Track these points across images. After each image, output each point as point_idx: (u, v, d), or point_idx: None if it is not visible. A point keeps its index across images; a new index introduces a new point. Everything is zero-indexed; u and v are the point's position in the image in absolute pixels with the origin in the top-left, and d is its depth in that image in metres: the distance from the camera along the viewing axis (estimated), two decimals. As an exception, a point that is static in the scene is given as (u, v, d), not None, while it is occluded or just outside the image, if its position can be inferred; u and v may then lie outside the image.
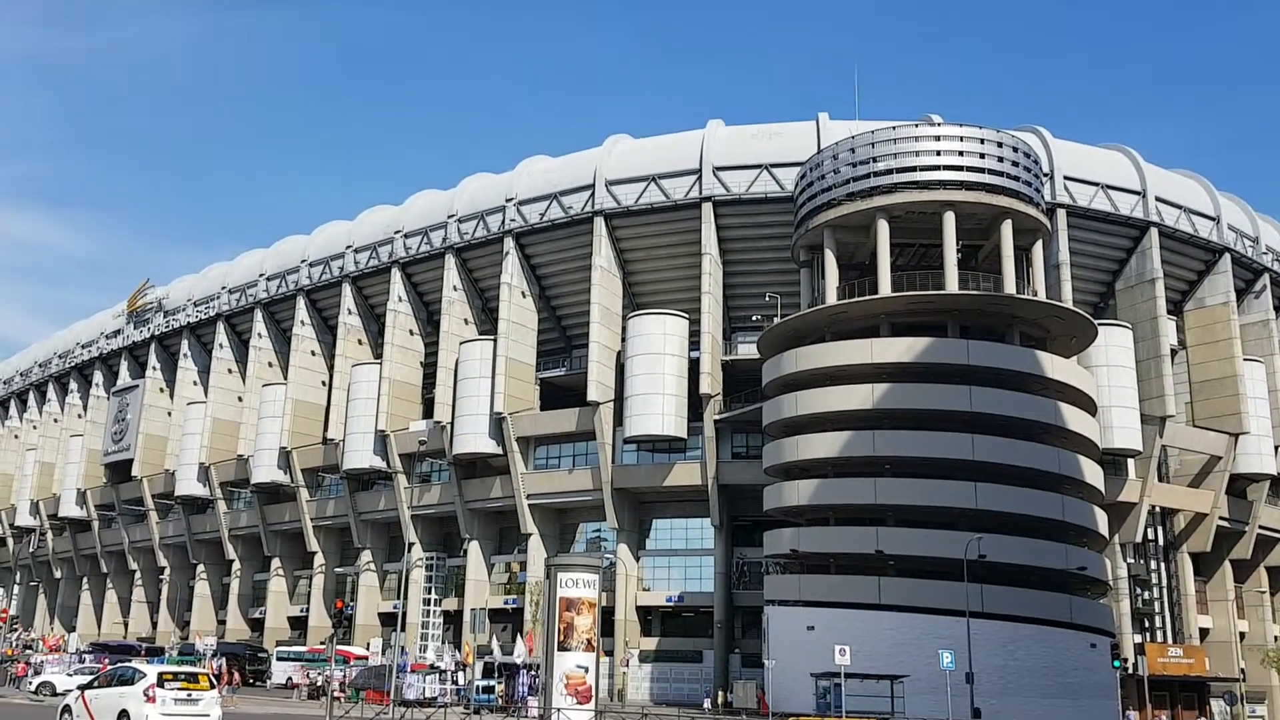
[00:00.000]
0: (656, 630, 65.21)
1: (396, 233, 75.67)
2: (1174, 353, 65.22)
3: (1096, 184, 63.35)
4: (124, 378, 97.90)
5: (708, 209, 62.74)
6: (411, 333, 75.33)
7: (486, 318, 72.42)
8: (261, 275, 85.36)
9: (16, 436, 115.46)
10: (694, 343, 62.49)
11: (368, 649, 67.66)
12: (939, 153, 53.06)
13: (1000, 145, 53.54)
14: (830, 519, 54.10)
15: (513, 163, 74.42)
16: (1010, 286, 52.43)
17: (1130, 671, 55.69)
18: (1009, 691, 47.68)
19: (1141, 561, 64.58)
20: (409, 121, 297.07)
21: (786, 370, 54.37)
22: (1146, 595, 64.88)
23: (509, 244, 68.69)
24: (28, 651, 74.64)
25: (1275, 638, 68.29)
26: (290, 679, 63.46)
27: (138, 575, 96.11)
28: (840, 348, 53.08)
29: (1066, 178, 62.57)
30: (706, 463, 61.46)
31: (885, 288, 52.28)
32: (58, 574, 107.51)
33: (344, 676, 53.21)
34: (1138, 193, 64.10)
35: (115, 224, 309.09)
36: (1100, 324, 57.77)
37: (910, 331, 52.35)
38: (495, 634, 63.73)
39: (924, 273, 54.10)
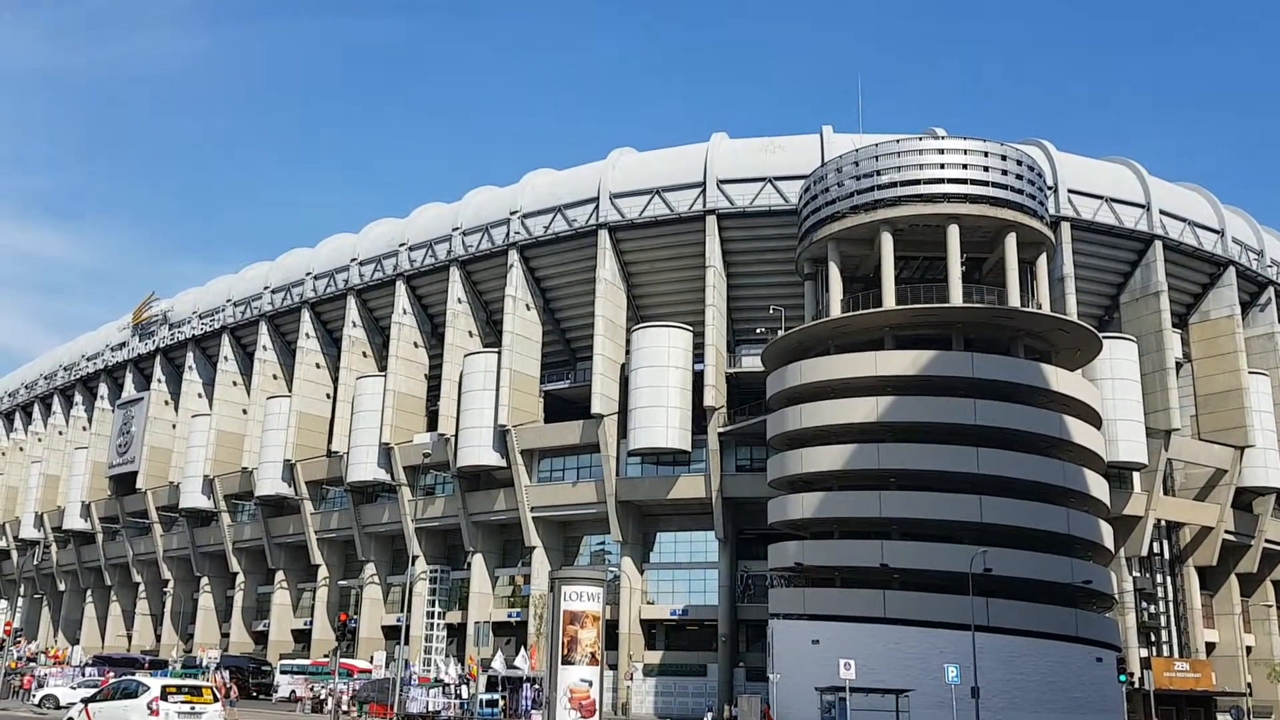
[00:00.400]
0: (661, 644, 65.01)
1: (401, 246, 75.82)
2: (1179, 366, 65.10)
3: (1100, 197, 63.36)
4: (129, 390, 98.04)
5: (712, 222, 62.81)
6: (416, 345, 75.39)
7: (491, 330, 72.48)
8: (266, 288, 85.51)
9: (21, 449, 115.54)
10: (698, 355, 62.47)
11: (371, 662, 67.48)
12: (943, 166, 53.13)
13: (1004, 158, 53.60)
14: (835, 532, 53.99)
15: (517, 176, 74.72)
16: (1015, 299, 52.41)
17: (1136, 686, 55.44)
18: (1014, 706, 47.50)
19: (1147, 575, 64.33)
20: (414, 135, 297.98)
21: (791, 383, 54.33)
22: (1152, 609, 64.63)
23: (513, 257, 68.78)
24: (31, 664, 74.62)
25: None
26: (294, 692, 63.33)
27: (142, 588, 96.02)
28: (844, 360, 53.05)
29: (1070, 191, 62.60)
30: (711, 475, 61.37)
31: (889, 300, 52.27)
32: (62, 586, 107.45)
33: (348, 690, 53.08)
34: (1142, 206, 64.11)
35: (120, 236, 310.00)
36: (1105, 337, 57.70)
37: (915, 344, 52.33)
38: (499, 647, 63.60)
39: (928, 285, 54.11)
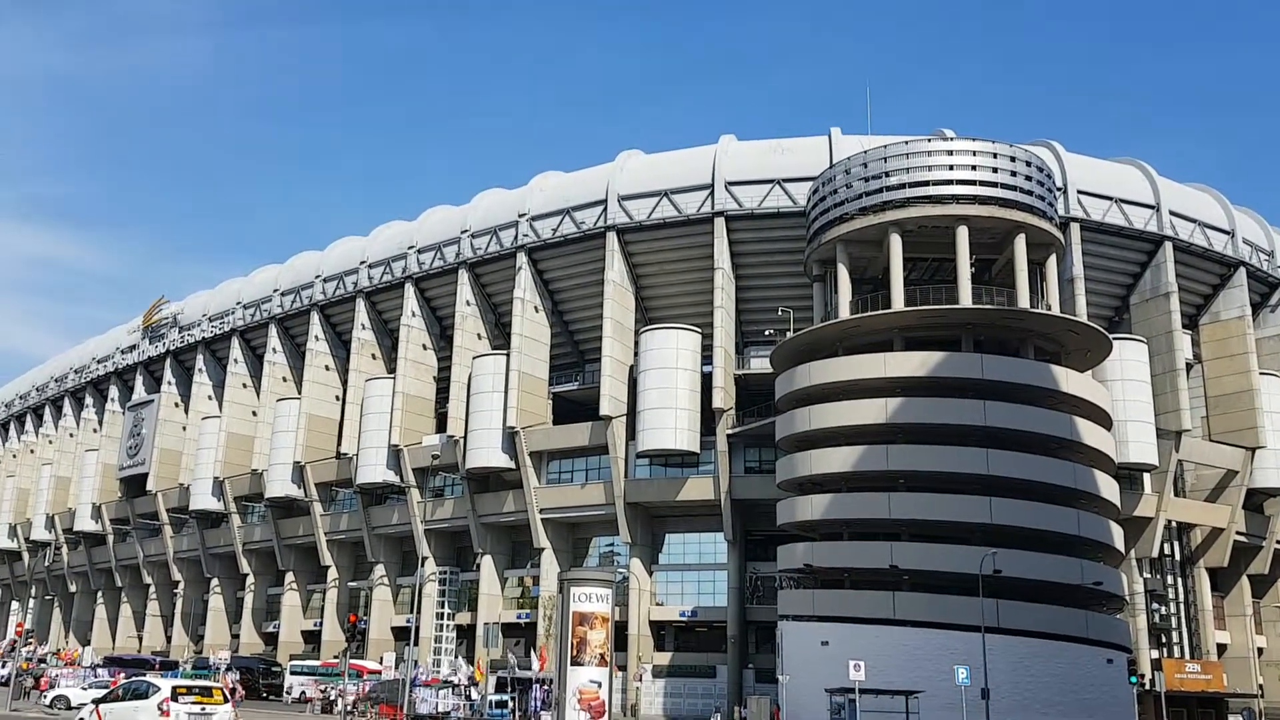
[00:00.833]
0: (670, 645, 65.01)
1: (410, 248, 75.98)
2: (1189, 367, 64.90)
3: (1110, 198, 63.23)
4: (139, 393, 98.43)
5: (720, 224, 62.84)
6: (425, 347, 75.55)
7: (499, 332, 72.60)
8: (276, 290, 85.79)
9: (32, 451, 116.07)
10: (706, 357, 62.49)
11: (381, 663, 67.63)
12: (951, 167, 53.05)
13: (1013, 159, 53.51)
14: (844, 534, 53.94)
15: (525, 178, 74.81)
16: (1024, 301, 52.31)
17: (1147, 687, 55.19)
18: (1025, 707, 47.39)
19: (1158, 576, 64.14)
20: (423, 138, 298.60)
21: (799, 385, 54.31)
22: (1163, 610, 64.37)
23: (521, 259, 68.89)
24: (43, 665, 74.86)
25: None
26: (304, 693, 63.46)
27: (152, 589, 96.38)
28: (853, 362, 53.01)
29: (1080, 192, 62.47)
30: (719, 477, 61.36)
31: (898, 302, 52.22)
32: (73, 588, 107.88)
33: (358, 691, 53.18)
34: (1152, 207, 63.95)
35: (131, 240, 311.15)
36: (1115, 338, 57.56)
37: (924, 346, 52.27)
38: (508, 648, 63.66)
39: (937, 287, 54.04)
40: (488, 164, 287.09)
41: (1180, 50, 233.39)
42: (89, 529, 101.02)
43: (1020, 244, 53.01)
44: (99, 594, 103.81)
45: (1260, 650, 66.52)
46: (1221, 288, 67.34)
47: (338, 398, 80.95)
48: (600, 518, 65.77)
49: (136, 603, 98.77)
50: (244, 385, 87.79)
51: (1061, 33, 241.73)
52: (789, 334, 56.86)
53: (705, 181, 63.76)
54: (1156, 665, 58.14)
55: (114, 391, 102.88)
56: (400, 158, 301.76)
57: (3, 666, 71.04)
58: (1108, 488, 53.26)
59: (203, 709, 24.54)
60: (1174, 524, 64.41)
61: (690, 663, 63.31)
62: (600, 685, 29.83)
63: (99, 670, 61.24)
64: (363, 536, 76.38)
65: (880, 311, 52.62)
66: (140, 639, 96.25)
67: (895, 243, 52.97)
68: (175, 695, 24.58)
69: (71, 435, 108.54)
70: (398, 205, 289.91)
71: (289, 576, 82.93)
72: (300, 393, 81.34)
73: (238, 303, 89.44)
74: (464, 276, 72.17)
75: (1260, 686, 62.89)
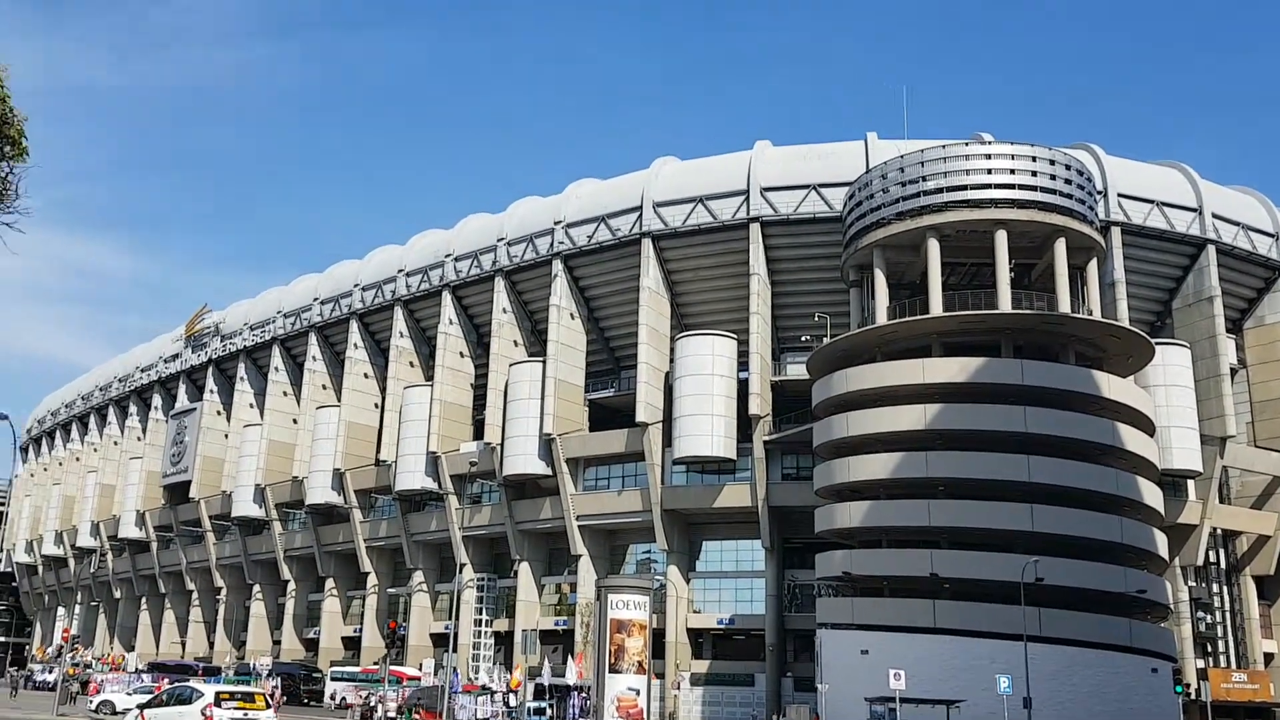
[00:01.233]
0: (708, 653, 64.83)
1: (447, 256, 76.47)
2: (1234, 372, 63.86)
3: (1151, 201, 62.44)
4: (182, 401, 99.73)
5: (755, 229, 62.72)
6: (462, 355, 75.99)
7: (536, 339, 72.86)
8: (315, 299, 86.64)
9: (78, 459, 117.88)
10: (743, 363, 62.34)
11: (420, 669, 67.99)
12: (990, 171, 52.62)
13: (1052, 163, 52.99)
14: (883, 541, 53.58)
15: (561, 186, 75.09)
16: (1065, 305, 51.76)
17: (1193, 697, 54.38)
18: (1067, 717, 46.81)
19: (1203, 585, 63.14)
20: (459, 146, 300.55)
21: (837, 391, 54.05)
22: (1209, 619, 63.36)
23: (557, 266, 69.14)
24: (89, 671, 76.03)
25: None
26: (344, 699, 63.95)
27: (195, 595, 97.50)
28: (891, 368, 52.68)
29: (1120, 195, 61.74)
30: (756, 484, 61.17)
31: (937, 307, 51.85)
32: (117, 594, 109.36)
33: (397, 697, 53.53)
34: (1194, 209, 63.07)
35: (173, 249, 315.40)
36: (1158, 343, 56.77)
37: (963, 351, 51.85)
38: (546, 655, 63.76)
39: (976, 292, 53.60)
40: (524, 173, 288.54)
41: (1222, 51, 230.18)
42: (133, 536, 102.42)
43: (1060, 248, 52.46)
44: (143, 600, 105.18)
45: (1309, 660, 65.25)
46: (1266, 291, 66.26)
47: (376, 405, 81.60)
48: (637, 525, 65.75)
49: (180, 609, 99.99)
50: (284, 393, 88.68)
51: (1100, 35, 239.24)
52: (826, 340, 56.60)
53: (741, 187, 63.68)
54: (1202, 675, 57.26)
55: (157, 400, 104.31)
56: (438, 167, 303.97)
57: (50, 672, 72.23)
58: (1151, 494, 52.55)
59: (245, 714, 24.71)
60: (1219, 531, 63.41)
61: (728, 670, 63.10)
62: (638, 692, 29.88)
63: (143, 676, 62.04)
64: (402, 543, 76.86)
65: (919, 317, 52.27)
66: (184, 644, 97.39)
67: (933, 247, 52.61)
68: (218, 701, 24.77)
69: (116, 443, 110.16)
70: (435, 214, 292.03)
71: (329, 583, 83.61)
72: (340, 400, 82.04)
73: (278, 311, 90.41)
74: (500, 284, 72.53)
75: (1309, 696, 61.67)
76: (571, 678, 53.80)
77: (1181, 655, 57.32)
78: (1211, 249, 62.52)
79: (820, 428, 55.15)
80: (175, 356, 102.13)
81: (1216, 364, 60.48)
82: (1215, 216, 63.41)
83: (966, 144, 54.93)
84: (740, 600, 64.14)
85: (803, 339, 62.08)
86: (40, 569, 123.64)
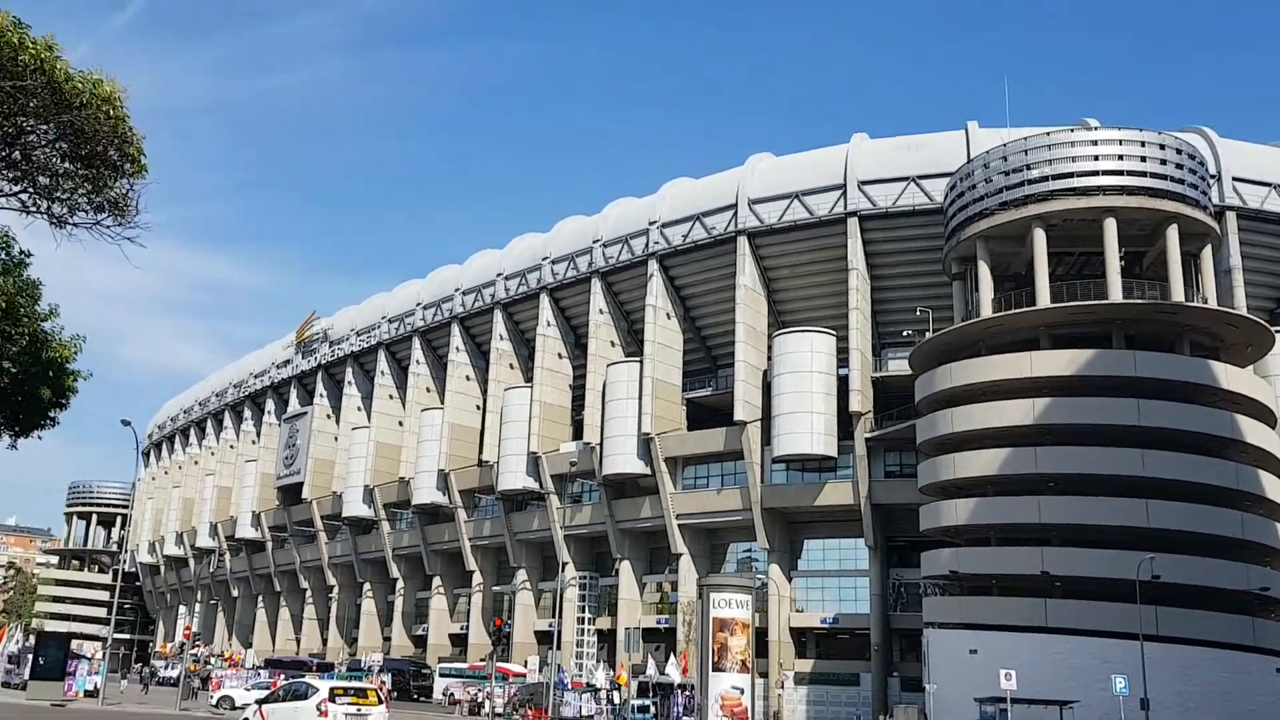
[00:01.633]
0: (811, 652, 64.24)
1: (544, 259, 77.30)
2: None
3: (1269, 184, 59.64)
4: (294, 405, 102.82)
5: (853, 224, 61.87)
6: (560, 356, 76.73)
7: (632, 340, 73.16)
8: (418, 304, 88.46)
9: (197, 463, 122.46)
10: (842, 360, 61.56)
11: (525, 666, 68.81)
12: (1097, 157, 50.93)
13: (1162, 147, 51.08)
14: (991, 539, 52.37)
15: (655, 186, 75.30)
16: (1178, 294, 49.84)
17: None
18: (1187, 718, 45.09)
19: (1334, 583, 60.04)
20: (555, 151, 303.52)
21: (940, 386, 53.01)
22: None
23: (653, 266, 69.28)
24: (208, 667, 78.87)
25: None
26: (453, 695, 65.06)
27: (309, 593, 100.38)
28: (997, 362, 51.43)
29: (1235, 179, 59.14)
30: (858, 482, 60.37)
31: (1044, 298, 50.44)
32: (235, 592, 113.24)
33: (504, 693, 54.30)
34: (1317, 190, 60.07)
35: (282, 258, 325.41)
36: (1278, 331, 54.30)
37: (1071, 343, 50.35)
38: (649, 653, 63.98)
39: (1084, 282, 51.98)
40: (619, 175, 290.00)
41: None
42: (249, 536, 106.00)
43: (1173, 235, 50.53)
44: (259, 598, 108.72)
45: None
46: (1397, 274, 62.79)
47: (478, 407, 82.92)
48: (737, 523, 65.49)
49: (294, 606, 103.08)
50: (390, 396, 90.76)
51: (1210, 15, 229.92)
52: (928, 334, 55.58)
53: (837, 181, 62.89)
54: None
55: (270, 404, 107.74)
56: (535, 171, 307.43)
57: (172, 668, 75.11)
58: (1274, 488, 50.31)
59: (359, 710, 25.24)
60: (1351, 527, 60.20)
61: (833, 670, 62.41)
62: (742, 692, 29.67)
63: (260, 672, 64.02)
64: (505, 542, 77.93)
65: (1025, 309, 50.91)
66: (298, 641, 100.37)
67: (1039, 237, 51.20)
68: (333, 696, 25.32)
69: (232, 447, 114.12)
70: (533, 218, 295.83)
71: (436, 581, 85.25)
72: (443, 403, 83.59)
73: (383, 317, 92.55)
74: (596, 285, 73.01)
75: None
76: (675, 676, 53.82)
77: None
78: (1337, 231, 59.51)
79: (924, 424, 54.17)
80: (287, 362, 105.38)
81: (1344, 352, 57.49)
82: (1341, 197, 60.30)
83: (1072, 130, 53.30)
84: (844, 599, 63.41)
85: (904, 334, 61.04)
86: (162, 569, 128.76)
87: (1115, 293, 49.63)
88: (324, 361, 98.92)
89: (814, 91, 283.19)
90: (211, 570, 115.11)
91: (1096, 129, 53.09)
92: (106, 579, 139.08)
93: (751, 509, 63.23)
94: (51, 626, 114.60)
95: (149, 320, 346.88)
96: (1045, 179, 51.16)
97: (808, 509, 63.33)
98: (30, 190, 12.64)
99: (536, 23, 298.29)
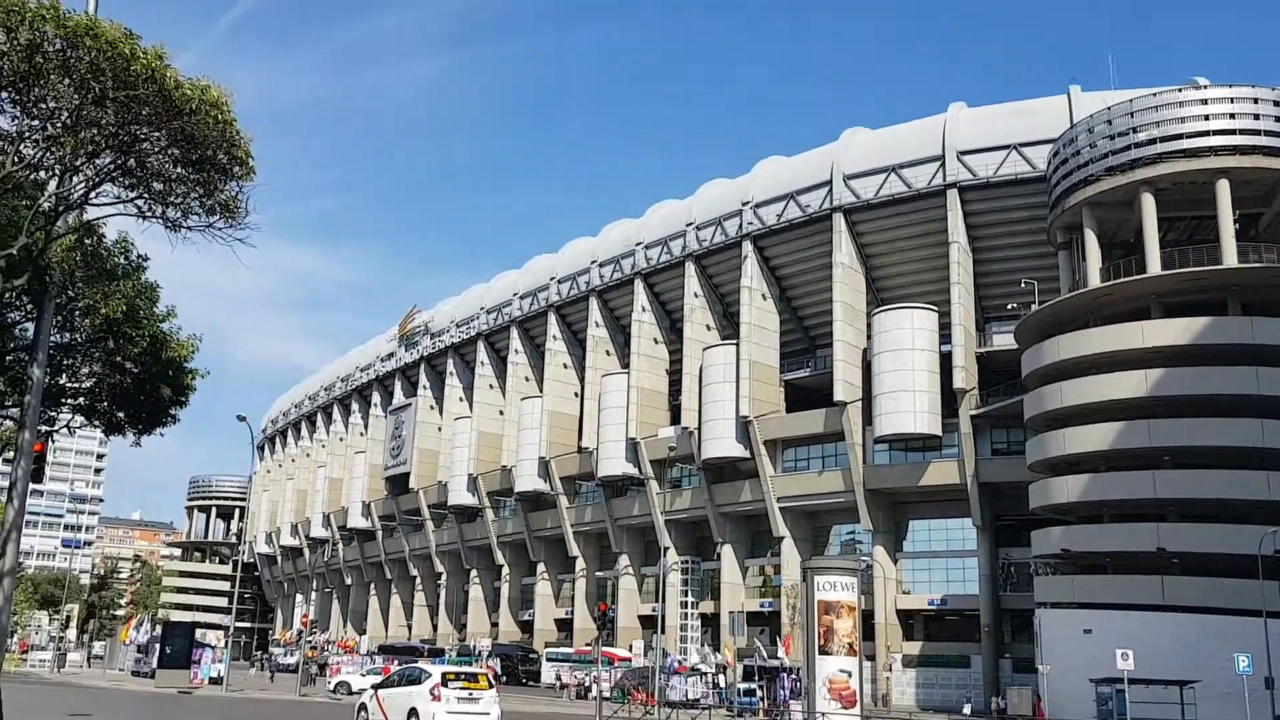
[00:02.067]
0: (919, 634, 63.33)
1: (637, 245, 77.43)
2: None
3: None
4: (398, 397, 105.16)
5: (953, 195, 60.46)
6: (656, 341, 76.83)
7: (728, 322, 72.84)
8: (515, 294, 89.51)
9: (308, 455, 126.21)
10: (944, 336, 60.31)
11: (630, 650, 69.29)
12: (1207, 117, 48.83)
13: (1276, 104, 48.67)
14: (1104, 516, 50.87)
15: (748, 166, 74.69)
16: (1298, 257, 47.60)
17: None
18: (1318, 699, 43.20)
19: None
20: (647, 136, 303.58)
21: (1048, 360, 51.61)
22: None
23: (747, 247, 68.81)
24: (325, 654, 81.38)
25: None
26: (560, 679, 65.91)
27: (418, 581, 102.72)
28: (1108, 333, 49.83)
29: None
30: (964, 460, 59.18)
31: (1154, 266, 48.67)
32: (348, 581, 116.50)
33: (610, 677, 54.79)
34: None
35: (383, 253, 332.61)
36: None
37: (1185, 312, 48.49)
38: (753, 637, 63.85)
39: (1197, 248, 49.96)
40: (711, 157, 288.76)
41: None
42: (360, 526, 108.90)
43: (1292, 195, 48.24)
44: (371, 586, 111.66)
45: None
46: None
47: (576, 394, 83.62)
48: (840, 505, 64.82)
49: (405, 593, 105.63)
50: (490, 386, 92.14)
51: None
52: (1034, 307, 54.10)
53: (935, 153, 61.49)
54: None
55: (376, 397, 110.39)
56: (626, 158, 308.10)
57: (290, 655, 77.73)
58: (1406, 458, 47.74)
59: (470, 694, 25.64)
60: None
61: (942, 652, 61.48)
62: (850, 675, 29.36)
63: (375, 658, 65.78)
64: (606, 528, 78.53)
65: (1135, 277, 49.21)
66: (409, 628, 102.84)
67: (1148, 203, 49.38)
68: (445, 681, 25.77)
69: (341, 439, 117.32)
70: (626, 204, 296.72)
71: (540, 567, 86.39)
72: (541, 391, 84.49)
73: (481, 308, 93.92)
74: (690, 269, 72.86)
75: None
76: (781, 659, 53.60)
77: None
78: None
79: (1031, 399, 52.83)
80: (390, 356, 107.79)
81: None
82: None
83: (1180, 89, 51.14)
84: (952, 580, 62.32)
85: (1009, 307, 59.52)
86: (279, 559, 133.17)
87: (1230, 257, 47.66)
88: (426, 354, 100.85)
89: (908, 63, 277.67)
90: (325, 559, 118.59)
91: (1206, 87, 50.85)
92: (226, 569, 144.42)
93: (854, 490, 62.52)
94: (176, 617, 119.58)
95: (256, 318, 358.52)
96: (1153, 141, 49.31)
97: (912, 489, 62.34)
98: (145, 196, 13.10)
99: (617, 8, 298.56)
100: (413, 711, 25.49)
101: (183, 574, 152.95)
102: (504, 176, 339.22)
